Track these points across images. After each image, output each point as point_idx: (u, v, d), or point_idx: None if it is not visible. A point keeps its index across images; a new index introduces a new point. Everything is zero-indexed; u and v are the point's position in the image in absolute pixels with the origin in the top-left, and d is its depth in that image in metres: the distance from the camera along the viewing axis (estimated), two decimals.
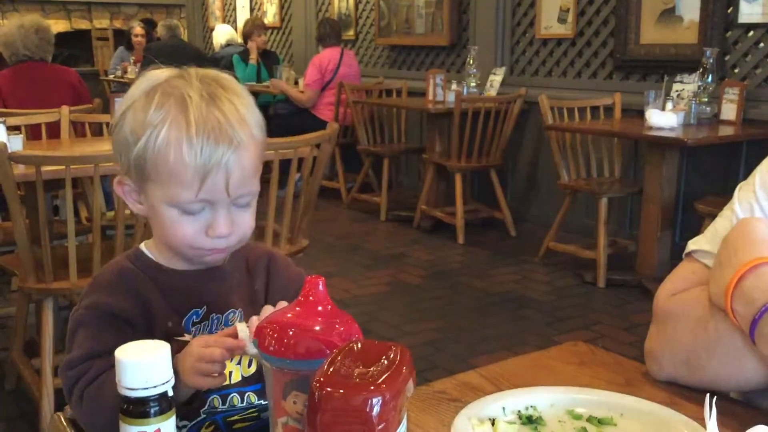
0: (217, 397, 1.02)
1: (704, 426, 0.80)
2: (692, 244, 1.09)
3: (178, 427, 1.00)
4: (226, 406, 1.03)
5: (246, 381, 1.04)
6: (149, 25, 8.75)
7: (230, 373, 1.04)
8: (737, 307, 0.91)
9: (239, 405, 1.04)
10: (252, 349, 0.86)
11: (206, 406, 1.02)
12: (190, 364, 0.89)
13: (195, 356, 0.89)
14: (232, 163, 0.95)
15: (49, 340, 2.45)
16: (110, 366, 0.95)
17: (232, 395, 1.03)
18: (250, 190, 0.99)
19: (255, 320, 0.89)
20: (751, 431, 0.79)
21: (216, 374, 0.89)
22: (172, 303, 1.03)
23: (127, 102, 1.00)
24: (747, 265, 0.91)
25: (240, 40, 7.81)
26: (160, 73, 1.00)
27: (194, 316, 1.04)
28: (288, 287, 1.08)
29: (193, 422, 1.02)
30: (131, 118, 0.98)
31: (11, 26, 3.99)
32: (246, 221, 1.01)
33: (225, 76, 1.02)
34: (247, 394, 1.04)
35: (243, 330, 0.88)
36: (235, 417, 1.04)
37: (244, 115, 0.97)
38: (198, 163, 0.93)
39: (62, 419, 1.01)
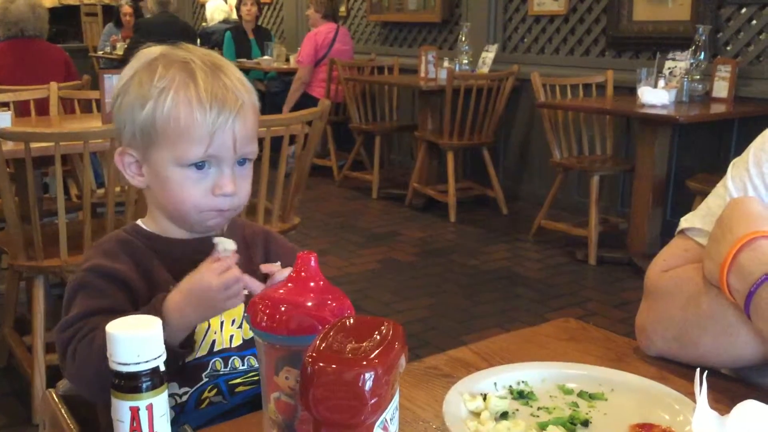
0: (219, 359, 1.05)
1: (694, 401, 0.81)
2: (685, 222, 1.09)
3: (179, 395, 1.01)
4: (228, 369, 1.05)
5: (247, 344, 1.06)
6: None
7: (231, 336, 1.06)
8: (733, 282, 0.91)
9: (241, 367, 1.06)
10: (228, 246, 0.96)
11: (208, 369, 1.04)
12: (220, 296, 0.93)
13: (220, 287, 0.92)
14: (239, 121, 1.01)
15: (41, 317, 2.45)
16: (106, 322, 0.95)
17: (233, 358, 1.06)
18: (252, 149, 1.06)
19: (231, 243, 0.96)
20: (741, 406, 0.79)
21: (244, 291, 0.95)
22: (173, 270, 1.05)
23: (128, 74, 1.04)
24: (743, 239, 0.91)
25: (233, 15, 7.73)
26: (157, 48, 1.06)
27: None
28: (286, 264, 1.09)
29: (195, 388, 1.03)
30: (136, 88, 1.02)
31: (5, 1, 3.92)
32: (245, 186, 1.07)
33: (217, 54, 1.09)
34: (247, 358, 1.07)
35: (222, 242, 0.95)
36: (237, 380, 1.06)
37: (244, 81, 1.05)
38: (208, 121, 0.99)
39: (54, 396, 1.01)
